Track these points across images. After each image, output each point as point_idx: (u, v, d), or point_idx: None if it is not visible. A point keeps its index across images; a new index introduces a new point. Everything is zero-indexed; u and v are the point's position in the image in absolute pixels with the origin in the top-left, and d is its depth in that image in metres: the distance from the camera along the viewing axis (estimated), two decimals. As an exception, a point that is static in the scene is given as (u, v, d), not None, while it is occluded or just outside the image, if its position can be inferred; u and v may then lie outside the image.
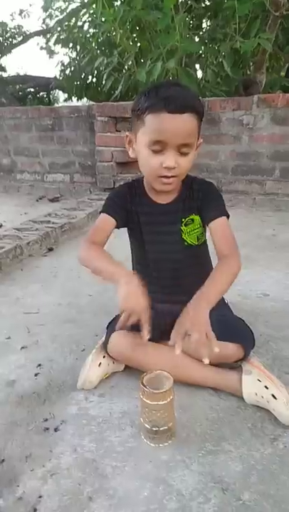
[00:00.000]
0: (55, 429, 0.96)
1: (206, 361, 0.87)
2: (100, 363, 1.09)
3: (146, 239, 1.17)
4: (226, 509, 0.75)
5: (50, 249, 2.23)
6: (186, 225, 1.14)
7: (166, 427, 0.89)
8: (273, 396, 0.95)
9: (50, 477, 0.83)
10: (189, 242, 1.15)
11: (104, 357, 1.10)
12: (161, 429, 0.88)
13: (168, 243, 1.15)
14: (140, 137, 1.01)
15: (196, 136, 1.01)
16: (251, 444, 0.90)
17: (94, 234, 1.11)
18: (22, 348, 1.30)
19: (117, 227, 1.13)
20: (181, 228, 1.14)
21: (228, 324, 1.09)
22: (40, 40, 9.01)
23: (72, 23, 4.93)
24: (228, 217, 1.11)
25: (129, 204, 1.15)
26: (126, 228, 1.20)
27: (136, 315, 0.95)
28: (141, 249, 1.20)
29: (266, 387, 0.98)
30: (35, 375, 1.16)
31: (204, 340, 0.86)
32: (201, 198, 1.14)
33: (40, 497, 0.79)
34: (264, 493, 0.78)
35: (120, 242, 1.25)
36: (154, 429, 0.88)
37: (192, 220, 1.15)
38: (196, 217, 1.15)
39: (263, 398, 0.97)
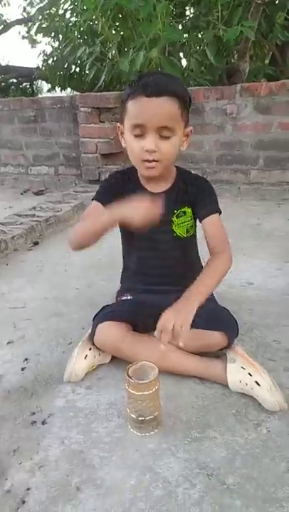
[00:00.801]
0: (43, 423, 0.96)
1: (181, 344, 0.90)
2: (86, 356, 1.10)
3: (135, 228, 1.16)
4: (210, 493, 0.77)
5: (36, 243, 2.22)
6: (177, 217, 1.16)
7: (152, 417, 0.90)
8: (257, 383, 0.98)
9: (38, 469, 0.84)
10: (178, 233, 1.17)
11: (90, 349, 1.11)
12: (147, 418, 0.90)
13: (157, 232, 1.14)
14: (125, 124, 1.04)
15: (180, 121, 1.02)
16: (235, 430, 0.92)
17: (84, 220, 1.12)
18: (8, 343, 1.30)
19: None
20: (172, 219, 1.15)
21: (212, 314, 1.10)
22: (22, 30, 8.81)
23: (53, 12, 4.83)
24: (220, 213, 1.14)
25: (121, 191, 1.14)
26: None
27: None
28: (131, 238, 1.21)
29: (250, 374, 1.00)
30: (22, 369, 1.16)
31: (169, 329, 0.89)
32: (195, 192, 1.16)
33: (28, 489, 0.80)
34: (247, 477, 0.80)
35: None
36: (140, 418, 0.90)
37: (184, 212, 1.16)
38: (189, 210, 1.17)
39: (247, 385, 0.99)
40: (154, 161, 1.03)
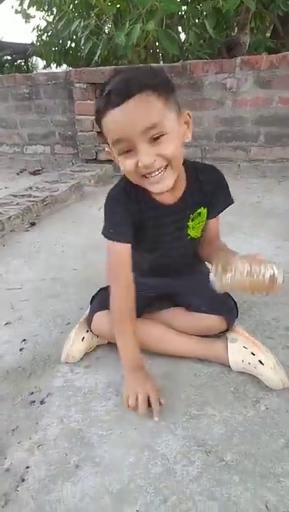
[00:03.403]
0: (41, 402, 0.96)
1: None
2: (84, 338, 1.09)
3: (149, 239, 1.05)
4: (209, 470, 0.78)
5: (33, 224, 2.19)
6: (192, 220, 1.04)
7: None
8: (260, 362, 0.97)
9: (37, 448, 0.84)
10: (193, 235, 1.07)
11: (87, 331, 1.10)
12: None
13: (172, 240, 1.06)
14: (111, 147, 0.88)
15: (166, 112, 0.81)
16: (234, 407, 0.92)
17: (118, 272, 1.01)
18: (6, 323, 1.29)
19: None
20: (188, 224, 1.04)
21: (213, 297, 1.08)
22: (15, 4, 8.50)
23: (46, -17, 4.65)
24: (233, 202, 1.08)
25: (133, 215, 0.98)
26: None
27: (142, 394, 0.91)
28: (144, 250, 1.08)
29: (252, 353, 0.99)
30: (20, 350, 1.16)
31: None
32: (212, 192, 1.03)
33: (27, 467, 0.80)
34: (245, 453, 0.81)
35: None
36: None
37: (199, 213, 1.05)
38: (204, 211, 1.05)
39: (250, 365, 0.98)
40: (159, 171, 0.84)
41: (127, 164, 0.84)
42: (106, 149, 0.93)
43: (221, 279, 0.83)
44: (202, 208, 1.04)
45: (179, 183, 0.96)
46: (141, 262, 1.11)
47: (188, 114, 0.89)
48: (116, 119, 0.80)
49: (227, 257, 0.87)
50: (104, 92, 0.81)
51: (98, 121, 0.85)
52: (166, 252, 1.08)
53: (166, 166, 0.85)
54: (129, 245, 0.99)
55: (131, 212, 0.98)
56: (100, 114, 0.83)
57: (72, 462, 0.81)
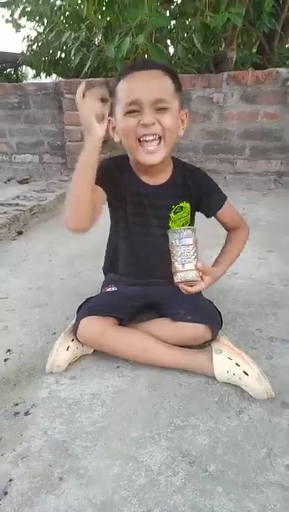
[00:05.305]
0: (26, 413, 0.96)
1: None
2: (68, 347, 1.09)
3: (130, 220, 1.12)
4: (192, 481, 0.78)
5: (20, 233, 2.18)
6: (174, 213, 1.11)
7: None
8: (245, 372, 0.98)
9: (20, 460, 0.84)
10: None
11: (72, 340, 1.10)
12: None
13: (153, 226, 1.12)
14: (117, 111, 0.98)
15: (174, 96, 0.97)
16: (218, 418, 0.93)
17: None
18: (-9, 334, 1.28)
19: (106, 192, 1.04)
20: (170, 215, 1.11)
21: (197, 307, 1.10)
22: (6, 13, 8.53)
23: (37, -6, 4.69)
24: (226, 198, 1.16)
25: (117, 178, 1.07)
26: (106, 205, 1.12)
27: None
28: (123, 230, 1.16)
29: (237, 364, 1.00)
30: (5, 360, 1.15)
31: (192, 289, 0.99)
32: (196, 188, 1.12)
33: (10, 480, 0.79)
34: (229, 463, 0.82)
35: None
36: None
37: (181, 207, 1.12)
38: (186, 205, 1.12)
39: (234, 375, 1.00)
40: (154, 139, 0.96)
41: (130, 122, 0.95)
42: (108, 118, 0.96)
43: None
44: (185, 202, 1.12)
45: (164, 167, 1.08)
46: (115, 258, 1.20)
47: (185, 113, 1.04)
48: (136, 80, 0.94)
49: None
50: (129, 65, 0.98)
51: (114, 88, 0.98)
52: (148, 239, 1.12)
53: (160, 138, 0.97)
54: (101, 190, 1.02)
55: (114, 177, 1.06)
56: (121, 76, 0.97)
57: (56, 474, 0.81)
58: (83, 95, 0.89)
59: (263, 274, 1.63)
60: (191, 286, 0.99)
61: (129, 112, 0.95)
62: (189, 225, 1.16)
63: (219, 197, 1.16)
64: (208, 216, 1.17)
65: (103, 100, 0.91)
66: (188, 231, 0.96)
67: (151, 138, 0.96)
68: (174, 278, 0.99)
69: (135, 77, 0.94)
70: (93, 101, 0.89)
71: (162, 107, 0.95)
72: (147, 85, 0.94)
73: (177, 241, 0.96)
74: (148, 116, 0.93)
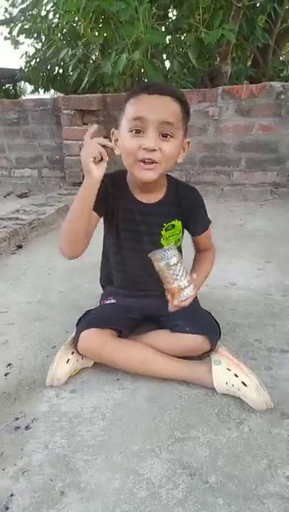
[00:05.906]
0: (26, 428, 0.96)
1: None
2: (68, 360, 1.09)
3: (122, 236, 1.15)
4: (193, 493, 0.78)
5: (19, 247, 2.20)
6: (166, 230, 1.14)
7: None
8: (244, 383, 0.99)
9: (21, 475, 0.84)
10: (165, 245, 1.11)
11: (72, 353, 1.11)
12: None
13: (144, 243, 1.13)
14: (122, 125, 0.99)
15: (181, 124, 0.99)
16: (218, 429, 0.93)
17: None
18: (-9, 348, 1.29)
19: (100, 216, 1.09)
20: (161, 233, 1.14)
21: (196, 318, 1.12)
22: (5, 30, 8.69)
23: (35, 13, 4.80)
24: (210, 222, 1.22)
25: (111, 196, 1.09)
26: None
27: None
28: (114, 245, 1.18)
29: (236, 375, 1.01)
30: (5, 374, 1.16)
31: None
32: (188, 208, 1.15)
33: (11, 495, 0.79)
34: (229, 475, 0.82)
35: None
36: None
37: (173, 225, 1.15)
38: (178, 223, 1.15)
39: (233, 386, 1.00)
40: (152, 162, 0.97)
41: (132, 143, 0.96)
42: (112, 130, 1.04)
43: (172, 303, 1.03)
44: (176, 220, 1.15)
45: (159, 186, 1.11)
46: (110, 271, 1.23)
47: (188, 143, 1.06)
48: (146, 101, 0.95)
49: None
50: (143, 84, 1.00)
51: (124, 103, 1.00)
52: (134, 254, 1.15)
53: (157, 163, 0.98)
54: (95, 214, 1.05)
55: (108, 197, 1.08)
56: (132, 94, 0.98)
57: (57, 488, 0.81)
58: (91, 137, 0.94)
59: (261, 284, 1.65)
60: (186, 300, 1.02)
61: (133, 131, 0.95)
62: (180, 243, 1.21)
63: (205, 220, 1.21)
64: (191, 235, 1.22)
65: (105, 146, 0.95)
66: (171, 251, 0.98)
67: (150, 161, 0.97)
68: (177, 299, 1.01)
69: (146, 98, 0.95)
70: (93, 144, 0.93)
71: (167, 132, 0.95)
72: (156, 105, 0.95)
73: (166, 264, 0.98)
74: (151, 140, 0.94)
